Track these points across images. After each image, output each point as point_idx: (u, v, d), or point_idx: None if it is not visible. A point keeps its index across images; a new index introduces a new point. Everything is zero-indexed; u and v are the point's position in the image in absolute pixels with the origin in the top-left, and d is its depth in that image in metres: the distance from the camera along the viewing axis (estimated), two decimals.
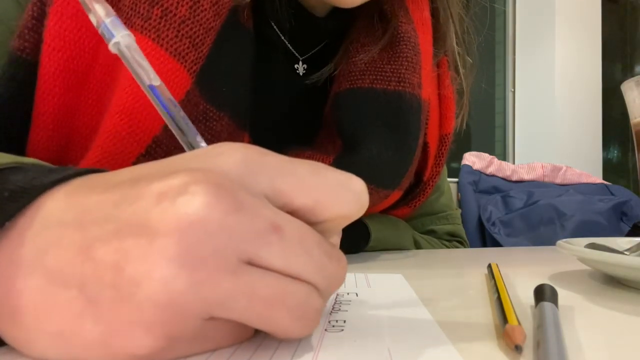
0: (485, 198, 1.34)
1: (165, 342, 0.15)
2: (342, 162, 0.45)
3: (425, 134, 0.53)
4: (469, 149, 1.49)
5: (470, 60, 0.57)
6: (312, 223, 0.18)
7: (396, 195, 0.51)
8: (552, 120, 2.08)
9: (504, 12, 2.26)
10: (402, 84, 0.46)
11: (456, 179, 1.38)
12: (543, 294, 0.23)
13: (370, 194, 0.46)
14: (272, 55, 0.47)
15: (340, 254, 0.18)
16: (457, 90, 0.56)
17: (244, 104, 0.41)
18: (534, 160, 1.52)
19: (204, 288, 0.15)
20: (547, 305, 0.22)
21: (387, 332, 0.20)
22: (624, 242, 0.40)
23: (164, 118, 0.22)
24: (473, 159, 1.43)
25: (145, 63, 0.22)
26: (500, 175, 1.44)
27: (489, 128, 2.28)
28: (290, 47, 0.48)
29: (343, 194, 0.18)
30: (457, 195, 1.36)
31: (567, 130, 2.07)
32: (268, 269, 0.16)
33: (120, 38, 0.22)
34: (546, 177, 1.46)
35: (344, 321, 0.21)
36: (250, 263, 0.16)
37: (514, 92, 2.23)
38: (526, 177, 1.46)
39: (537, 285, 0.25)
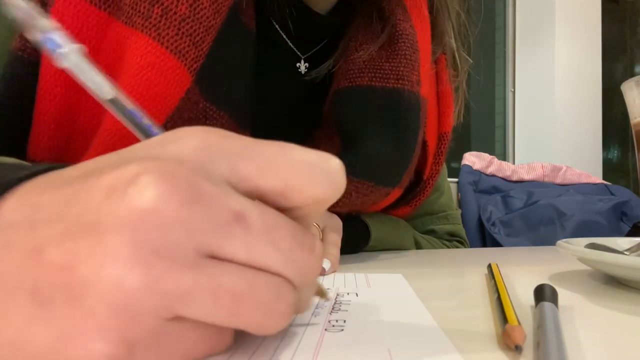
0: (485, 198, 1.34)
1: (123, 348, 0.14)
2: (341, 160, 0.45)
3: (424, 132, 0.53)
4: (469, 149, 1.49)
5: (468, 58, 0.57)
6: (284, 209, 0.17)
7: (396, 193, 0.51)
8: (552, 120, 2.07)
9: (504, 12, 2.26)
10: (400, 81, 0.46)
11: (456, 179, 1.38)
12: (543, 294, 0.23)
13: (370, 191, 0.46)
14: (274, 53, 0.47)
15: (315, 242, 0.17)
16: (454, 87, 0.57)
17: (245, 102, 0.41)
18: (534, 160, 1.52)
19: (160, 285, 0.14)
20: (547, 305, 0.22)
21: (387, 332, 0.20)
22: (624, 242, 0.40)
23: (128, 127, 0.20)
24: (473, 159, 1.43)
25: (98, 76, 0.20)
26: (500, 175, 1.44)
27: (489, 128, 2.28)
28: (292, 46, 0.48)
29: (316, 175, 0.16)
30: (457, 195, 1.36)
31: (567, 130, 2.07)
32: (233, 262, 0.15)
33: (69, 50, 0.19)
34: (546, 177, 1.46)
35: (344, 321, 0.21)
36: (213, 257, 0.15)
37: (514, 92, 2.23)
38: (526, 177, 1.46)
39: (537, 285, 0.25)
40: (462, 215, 1.32)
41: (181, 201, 0.14)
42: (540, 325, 0.19)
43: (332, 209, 0.45)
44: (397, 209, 0.56)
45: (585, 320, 0.23)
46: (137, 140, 0.32)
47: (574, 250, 0.33)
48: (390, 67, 0.46)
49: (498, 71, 2.28)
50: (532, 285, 0.26)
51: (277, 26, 0.46)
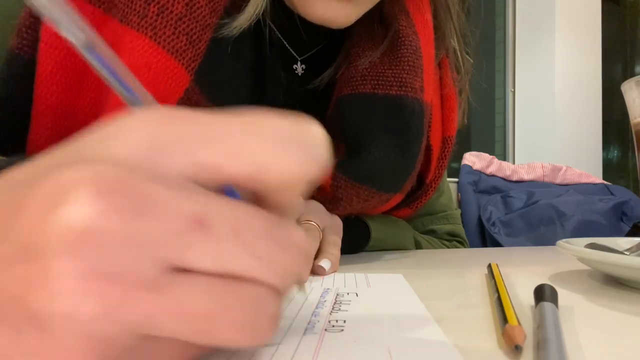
0: (485, 198, 1.34)
1: None
2: (345, 166, 0.45)
3: (428, 136, 0.53)
4: (469, 149, 1.48)
5: (470, 59, 0.57)
6: (260, 197, 0.15)
7: (398, 198, 0.51)
8: (552, 120, 2.07)
9: (504, 12, 2.26)
10: (403, 88, 0.46)
11: (456, 179, 1.38)
12: (543, 294, 0.23)
13: (372, 197, 0.46)
14: (271, 55, 0.47)
15: (297, 236, 0.15)
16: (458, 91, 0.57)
17: (248, 103, 0.42)
18: (534, 160, 1.52)
19: (118, 313, 0.12)
20: (547, 305, 0.22)
21: (387, 332, 0.20)
22: (624, 242, 0.40)
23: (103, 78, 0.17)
24: (473, 159, 1.43)
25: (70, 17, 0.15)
26: (500, 175, 1.44)
27: (489, 128, 2.28)
28: (289, 47, 0.48)
29: (292, 150, 0.14)
30: (457, 195, 1.36)
31: (567, 130, 2.06)
32: (201, 275, 0.13)
33: None
34: (546, 177, 1.46)
35: (344, 321, 0.21)
36: (178, 270, 0.13)
37: (514, 92, 2.23)
38: (526, 177, 1.46)
39: (537, 285, 0.25)
40: (462, 215, 1.32)
41: (125, 214, 0.12)
42: (540, 325, 0.19)
43: (331, 212, 0.45)
44: (398, 210, 0.56)
45: (585, 320, 0.23)
46: None
47: (574, 250, 0.33)
48: (393, 74, 0.46)
49: (498, 71, 2.28)
50: (532, 285, 0.26)
51: (273, 27, 0.46)
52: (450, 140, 0.56)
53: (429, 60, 0.49)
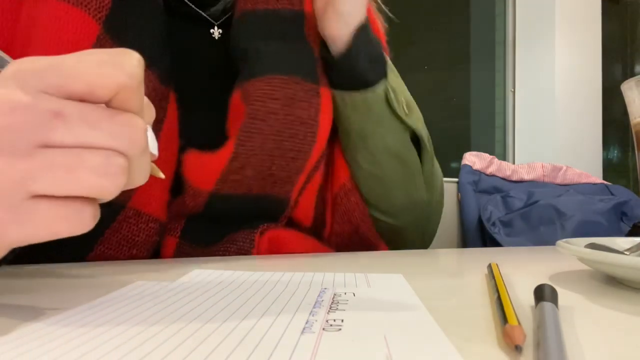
0: (485, 198, 1.34)
1: None
2: (250, 70, 0.49)
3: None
4: (469, 149, 1.48)
5: None
6: (102, 103, 0.21)
7: (327, 93, 0.52)
8: (552, 120, 2.07)
9: (504, 12, 2.26)
10: (280, 2, 0.52)
11: (456, 179, 1.38)
12: (543, 294, 0.23)
13: (294, 84, 0.49)
14: (188, 23, 0.51)
15: (133, 119, 0.21)
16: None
17: (163, 61, 0.45)
18: (534, 160, 1.52)
19: (3, 174, 0.19)
20: (547, 305, 0.21)
21: (386, 332, 0.19)
22: (624, 242, 0.39)
23: None
24: (473, 159, 1.43)
25: None
26: (500, 175, 1.44)
27: (489, 128, 2.28)
28: (203, 14, 0.52)
29: (110, 70, 0.20)
30: (457, 195, 1.36)
31: (567, 130, 2.06)
32: (64, 148, 0.20)
33: None
34: (546, 177, 1.46)
35: (342, 320, 0.21)
36: (48, 147, 0.20)
37: (514, 92, 2.23)
38: (526, 177, 1.45)
39: (537, 285, 0.25)
40: (462, 215, 1.32)
41: (3, 111, 0.19)
42: (540, 325, 0.19)
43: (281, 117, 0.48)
44: None
45: (585, 320, 0.23)
46: None
47: (574, 250, 0.33)
48: None
49: (498, 71, 2.28)
50: (532, 285, 0.26)
51: None
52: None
53: None
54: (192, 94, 0.48)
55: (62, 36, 0.39)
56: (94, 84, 0.20)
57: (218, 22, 0.53)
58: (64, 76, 0.20)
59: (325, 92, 0.52)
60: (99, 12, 0.41)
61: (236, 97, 0.48)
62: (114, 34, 0.42)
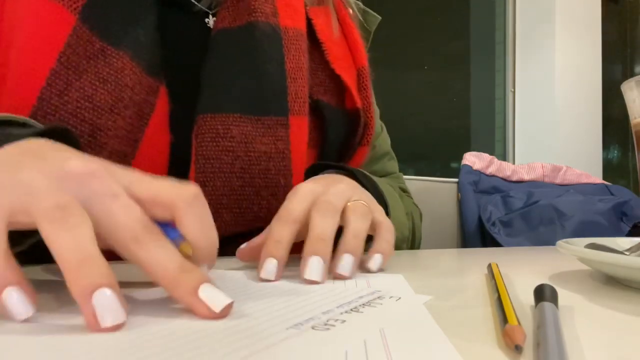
0: (485, 198, 1.34)
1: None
2: (203, 104, 0.46)
3: (332, 67, 0.55)
4: (469, 149, 1.48)
5: None
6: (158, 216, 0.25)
7: (300, 121, 0.50)
8: (552, 120, 2.07)
9: (504, 12, 2.26)
10: (253, 14, 0.49)
11: (456, 179, 1.38)
12: (543, 294, 0.23)
13: (250, 122, 0.46)
14: (182, 13, 0.49)
15: (133, 207, 0.25)
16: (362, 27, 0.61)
17: (151, 51, 0.44)
18: (534, 160, 1.51)
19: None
20: (547, 305, 0.22)
21: (386, 332, 0.20)
22: (624, 242, 0.40)
23: None
24: (473, 159, 1.43)
25: None
26: (500, 175, 1.44)
27: (489, 128, 2.28)
28: (197, 4, 0.50)
29: (169, 192, 0.25)
30: (457, 196, 1.36)
31: (567, 130, 2.06)
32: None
33: None
34: (546, 177, 1.46)
35: (342, 321, 0.21)
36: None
37: (514, 92, 2.23)
38: (526, 177, 1.45)
39: (537, 285, 0.25)
40: (462, 215, 1.32)
41: (89, 171, 0.24)
42: (540, 325, 0.19)
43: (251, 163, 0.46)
44: (355, 153, 0.58)
45: (585, 320, 0.23)
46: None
47: (574, 250, 0.33)
48: (244, 6, 0.49)
49: (498, 71, 2.28)
50: (532, 285, 0.26)
51: None
52: (364, 70, 0.58)
53: None
54: (187, 88, 0.46)
55: (40, 32, 0.39)
56: (158, 199, 0.25)
57: (213, 11, 0.51)
58: (144, 189, 0.25)
59: (297, 121, 0.50)
60: (74, 3, 0.40)
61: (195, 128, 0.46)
62: (93, 25, 0.40)
